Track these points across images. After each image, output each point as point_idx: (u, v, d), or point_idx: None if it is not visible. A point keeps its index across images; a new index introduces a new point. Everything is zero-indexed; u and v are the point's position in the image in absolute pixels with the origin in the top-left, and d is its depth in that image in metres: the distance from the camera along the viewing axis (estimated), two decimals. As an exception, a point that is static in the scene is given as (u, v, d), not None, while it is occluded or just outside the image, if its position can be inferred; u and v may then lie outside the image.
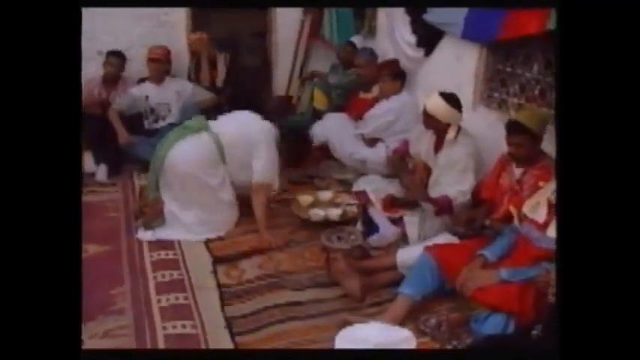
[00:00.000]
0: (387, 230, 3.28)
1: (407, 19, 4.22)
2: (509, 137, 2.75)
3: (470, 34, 3.51)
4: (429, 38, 4.03)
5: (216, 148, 3.36)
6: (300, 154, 4.46)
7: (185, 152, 3.32)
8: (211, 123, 3.51)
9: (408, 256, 2.82)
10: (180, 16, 4.87)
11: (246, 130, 3.46)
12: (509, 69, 3.38)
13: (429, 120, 3.23)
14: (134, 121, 4.39)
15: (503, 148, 3.11)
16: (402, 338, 2.02)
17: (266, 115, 5.07)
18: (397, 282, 2.76)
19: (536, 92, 3.19)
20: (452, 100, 3.17)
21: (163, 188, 3.40)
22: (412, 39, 4.18)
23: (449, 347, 2.44)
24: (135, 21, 4.68)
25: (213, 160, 3.36)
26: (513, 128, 2.72)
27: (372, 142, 4.14)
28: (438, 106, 3.15)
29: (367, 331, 2.04)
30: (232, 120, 3.60)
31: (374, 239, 3.23)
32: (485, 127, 3.49)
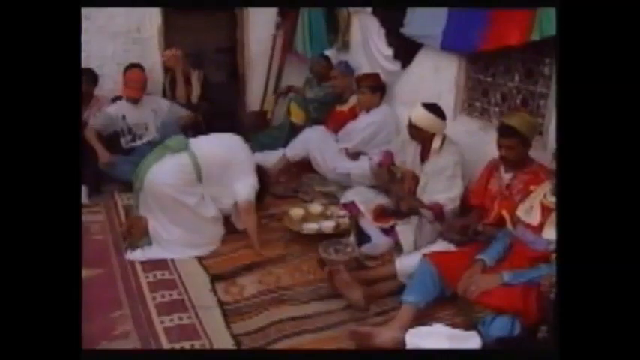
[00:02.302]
0: (379, 240, 3.32)
1: (382, 32, 4.32)
2: (500, 140, 2.86)
3: (449, 45, 3.62)
4: (405, 50, 4.13)
5: (193, 169, 3.33)
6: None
7: (162, 173, 3.29)
8: (192, 142, 3.49)
9: (407, 264, 2.87)
10: (152, 32, 4.81)
11: (227, 152, 3.47)
12: (489, 79, 3.51)
13: (415, 131, 3.31)
14: (110, 141, 4.29)
15: (485, 155, 3.24)
16: (469, 334, 2.27)
17: (241, 130, 5.12)
18: (398, 290, 2.82)
19: (518, 101, 3.32)
20: (436, 110, 3.26)
21: (145, 208, 3.36)
22: (389, 52, 4.27)
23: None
24: (107, 38, 4.59)
25: (189, 181, 3.33)
26: (505, 131, 2.83)
27: (354, 155, 4.20)
28: (422, 117, 3.23)
29: (437, 327, 2.28)
30: (213, 141, 3.58)
31: (367, 248, 3.27)
32: (466, 136, 3.60)
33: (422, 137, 3.32)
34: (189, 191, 3.31)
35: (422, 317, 2.64)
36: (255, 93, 5.38)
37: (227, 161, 3.42)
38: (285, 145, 4.70)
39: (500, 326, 2.40)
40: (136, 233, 3.36)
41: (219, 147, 3.52)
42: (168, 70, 4.76)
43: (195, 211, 3.31)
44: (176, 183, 3.27)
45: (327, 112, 4.66)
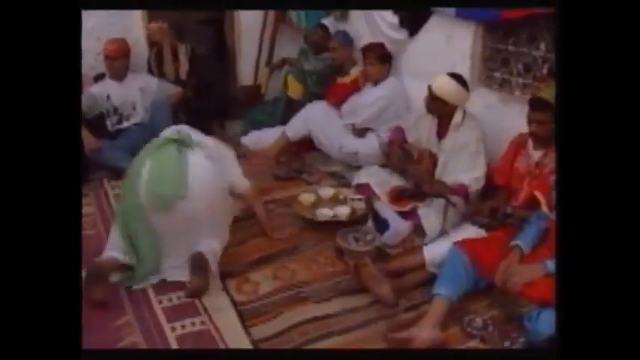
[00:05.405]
0: (397, 225, 3.07)
1: (387, -2, 4.01)
2: (532, 114, 2.64)
3: (466, 12, 3.34)
4: (413, 18, 3.83)
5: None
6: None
7: (207, 174, 2.76)
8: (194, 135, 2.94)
9: (436, 253, 2.65)
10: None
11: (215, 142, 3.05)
12: (511, 48, 3.24)
13: (435, 103, 3.05)
14: (95, 123, 3.95)
15: (506, 131, 3.03)
16: None
17: (234, 106, 4.82)
18: (428, 281, 2.61)
19: (545, 71, 3.08)
20: (460, 80, 3.02)
21: (185, 221, 2.69)
22: (394, 19, 3.97)
23: (503, 347, 2.32)
24: (86, 12, 4.16)
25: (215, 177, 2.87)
26: (537, 105, 2.60)
27: (361, 132, 3.93)
28: (447, 88, 2.99)
29: None
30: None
31: (387, 237, 3.01)
32: (485, 109, 3.35)
33: (441, 110, 3.07)
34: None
35: (455, 311, 2.45)
36: (246, 66, 5.03)
37: (219, 152, 2.99)
38: (281, 121, 4.42)
39: (550, 322, 2.20)
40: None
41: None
42: (153, 44, 4.39)
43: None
44: (220, 183, 2.87)
45: (327, 86, 4.36)
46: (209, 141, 2.96)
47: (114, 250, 2.69)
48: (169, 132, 2.91)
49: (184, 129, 2.94)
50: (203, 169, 2.73)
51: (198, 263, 2.65)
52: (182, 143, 2.79)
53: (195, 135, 2.92)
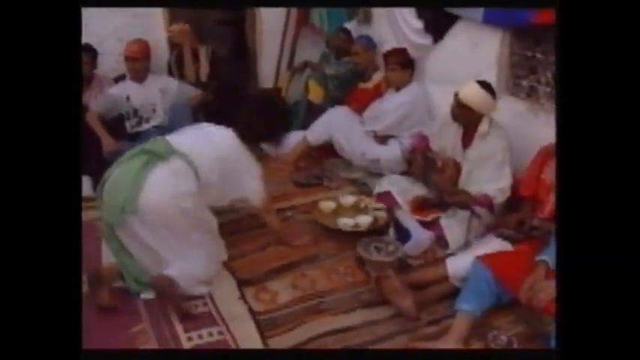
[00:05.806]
0: (419, 235, 3.01)
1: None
2: None
3: (494, 18, 3.25)
4: (438, 23, 3.76)
5: (194, 175, 2.61)
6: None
7: (169, 187, 2.54)
8: (175, 143, 2.68)
9: (460, 266, 2.57)
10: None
11: (218, 145, 2.76)
12: (540, 55, 3.15)
13: (462, 111, 2.98)
14: (114, 125, 3.92)
15: (533, 140, 2.94)
16: None
17: (253, 109, 4.75)
18: (451, 294, 2.54)
19: (575, 80, 2.98)
20: (488, 88, 2.95)
21: (142, 235, 2.55)
22: (418, 24, 3.90)
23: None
24: (108, 12, 4.15)
25: (196, 191, 2.62)
26: None
27: (383, 139, 3.87)
28: (475, 95, 2.92)
29: None
30: (196, 136, 2.83)
31: (409, 247, 2.95)
32: (511, 118, 3.27)
33: (468, 118, 3.00)
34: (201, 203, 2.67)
35: (479, 326, 2.38)
36: (267, 69, 4.97)
37: (222, 157, 2.73)
38: (302, 125, 4.36)
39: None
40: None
41: (205, 140, 2.79)
42: (174, 46, 4.36)
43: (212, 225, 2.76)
44: (190, 196, 2.58)
45: (348, 90, 4.30)
46: (210, 153, 2.69)
47: (109, 257, 2.64)
48: (149, 143, 2.76)
49: (162, 139, 2.73)
50: (163, 186, 2.52)
51: (157, 288, 2.50)
52: (153, 154, 2.60)
53: (177, 142, 2.67)
